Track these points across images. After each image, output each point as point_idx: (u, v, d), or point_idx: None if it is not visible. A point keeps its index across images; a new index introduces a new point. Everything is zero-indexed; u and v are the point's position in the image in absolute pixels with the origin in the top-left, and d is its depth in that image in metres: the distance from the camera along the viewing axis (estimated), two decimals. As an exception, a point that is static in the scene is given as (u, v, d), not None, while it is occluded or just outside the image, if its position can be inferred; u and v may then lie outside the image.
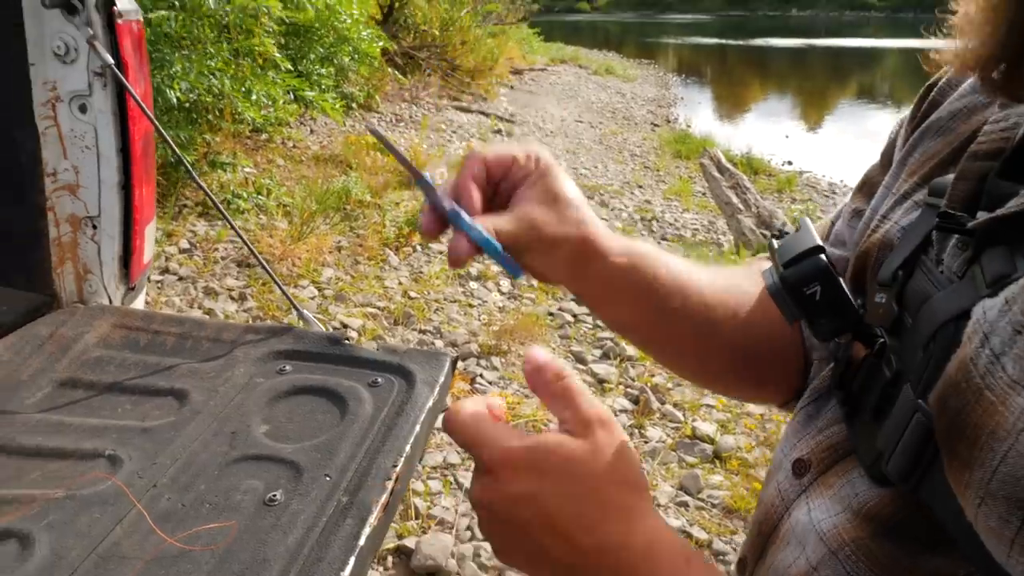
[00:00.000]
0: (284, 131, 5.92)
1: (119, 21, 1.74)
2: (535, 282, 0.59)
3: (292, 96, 4.61)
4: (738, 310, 0.67)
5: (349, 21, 5.48)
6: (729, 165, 5.50)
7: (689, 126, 10.61)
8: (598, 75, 14.66)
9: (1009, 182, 0.47)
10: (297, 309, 1.67)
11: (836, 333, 0.54)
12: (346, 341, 1.60)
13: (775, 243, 0.58)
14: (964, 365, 0.40)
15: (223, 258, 3.80)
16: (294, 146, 5.91)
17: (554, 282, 0.62)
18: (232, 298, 3.44)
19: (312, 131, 6.42)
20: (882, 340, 0.51)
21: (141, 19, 1.86)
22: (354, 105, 7.02)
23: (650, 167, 7.58)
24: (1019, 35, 0.43)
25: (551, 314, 3.73)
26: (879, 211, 0.60)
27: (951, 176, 0.52)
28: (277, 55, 4.35)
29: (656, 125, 10.35)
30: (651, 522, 0.44)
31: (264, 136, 5.60)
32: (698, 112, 12.62)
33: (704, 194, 6.02)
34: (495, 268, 4.22)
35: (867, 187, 0.67)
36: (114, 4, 1.72)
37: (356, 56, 5.87)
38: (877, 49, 27.70)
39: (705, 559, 0.45)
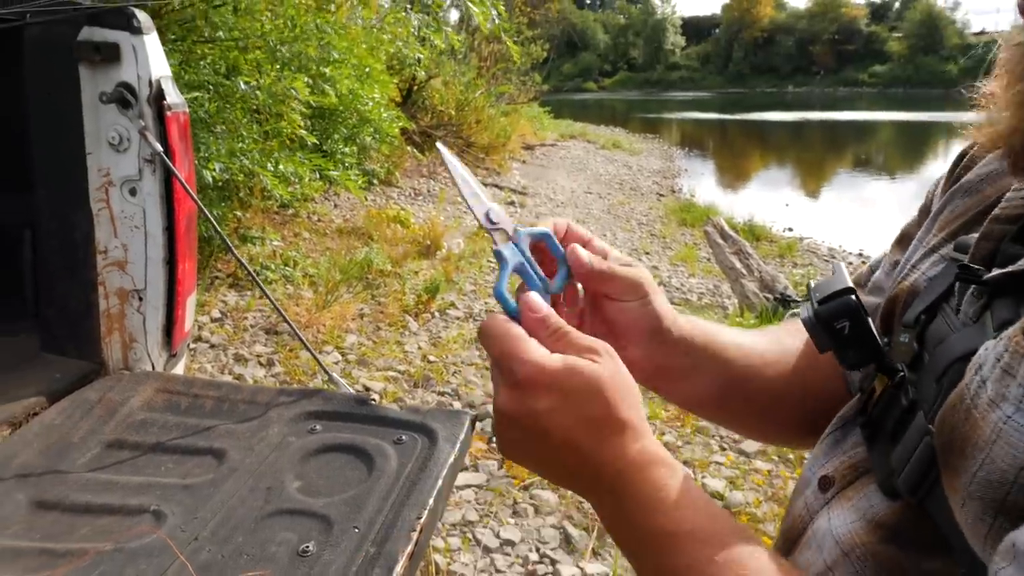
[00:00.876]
0: (310, 206, 6.18)
1: (168, 113, 1.93)
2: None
3: (317, 174, 4.87)
4: (794, 366, 0.75)
5: (371, 104, 5.78)
6: (732, 232, 5.65)
7: (693, 196, 10.85)
8: (605, 149, 15.08)
9: (1019, 245, 0.54)
10: (327, 372, 1.79)
11: (861, 363, 0.60)
12: (371, 402, 1.71)
13: (812, 283, 0.65)
14: (961, 392, 0.47)
15: (252, 326, 3.96)
16: (319, 220, 6.15)
17: (628, 348, 0.64)
18: (260, 364, 3.58)
19: (336, 205, 6.68)
20: (902, 374, 0.57)
21: (187, 110, 2.05)
22: (375, 181, 7.31)
23: (656, 235, 7.76)
24: None
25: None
26: (911, 261, 0.67)
27: (974, 236, 0.58)
28: (304, 132, 4.61)
29: (662, 195, 10.61)
30: (648, 441, 0.51)
31: (291, 211, 5.85)
32: (701, 183, 12.90)
33: (709, 260, 6.16)
34: (510, 335, 4.33)
35: (904, 240, 0.74)
36: (164, 98, 1.90)
37: (377, 136, 6.17)
38: (870, 122, 28.25)
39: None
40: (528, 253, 0.58)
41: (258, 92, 4.48)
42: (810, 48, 62.48)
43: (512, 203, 8.50)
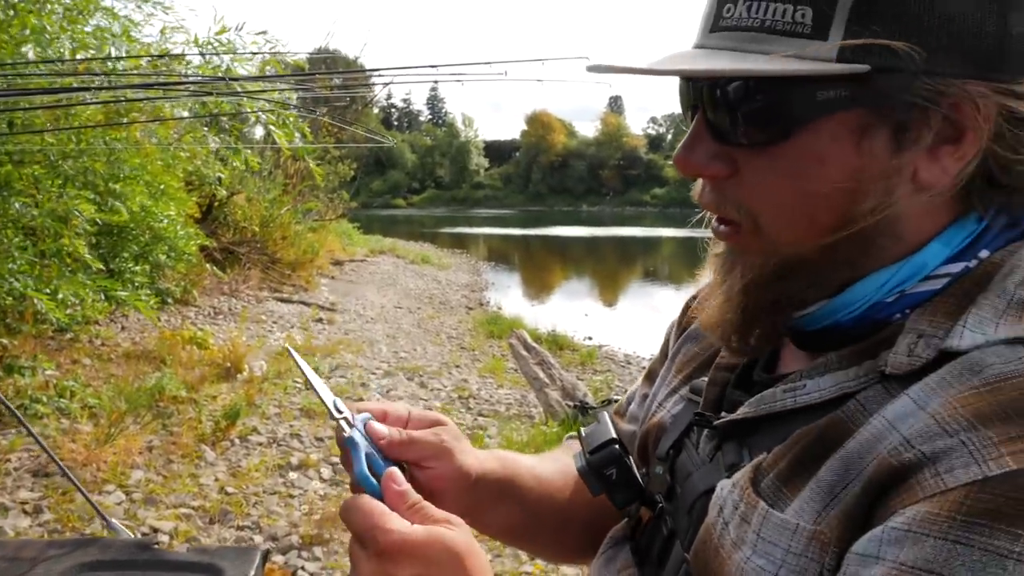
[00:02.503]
0: (92, 329, 5.70)
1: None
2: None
3: (103, 295, 4.55)
4: (575, 488, 0.80)
5: (165, 221, 5.58)
6: (535, 344, 6.01)
7: (500, 308, 11.32)
8: (415, 264, 15.40)
9: (739, 391, 0.64)
10: (102, 515, 1.69)
11: (629, 502, 0.69)
12: (155, 546, 1.63)
13: (583, 431, 0.75)
14: (708, 529, 0.55)
15: (16, 469, 3.53)
16: (103, 344, 5.68)
17: (443, 499, 0.68)
18: (25, 512, 3.18)
19: (123, 328, 6.22)
20: (661, 505, 0.66)
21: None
22: (170, 300, 6.93)
23: (466, 348, 7.99)
24: (745, 329, 0.61)
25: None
26: (657, 398, 0.77)
27: (706, 379, 0.68)
28: (88, 257, 4.33)
29: (470, 308, 10.97)
30: None
31: (69, 335, 5.36)
32: (508, 295, 13.56)
33: (516, 370, 6.44)
34: (315, 456, 4.23)
35: (651, 376, 0.84)
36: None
37: (173, 254, 5.92)
38: (654, 237, 31.59)
39: None
40: (368, 437, 0.64)
41: (35, 211, 4.19)
42: (600, 172, 69.21)
43: (320, 320, 8.39)
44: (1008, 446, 0.42)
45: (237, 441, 4.35)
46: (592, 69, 0.56)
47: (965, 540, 0.41)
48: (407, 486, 0.57)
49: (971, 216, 0.55)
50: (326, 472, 4.06)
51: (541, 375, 5.61)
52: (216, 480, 3.82)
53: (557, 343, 8.13)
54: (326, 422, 4.86)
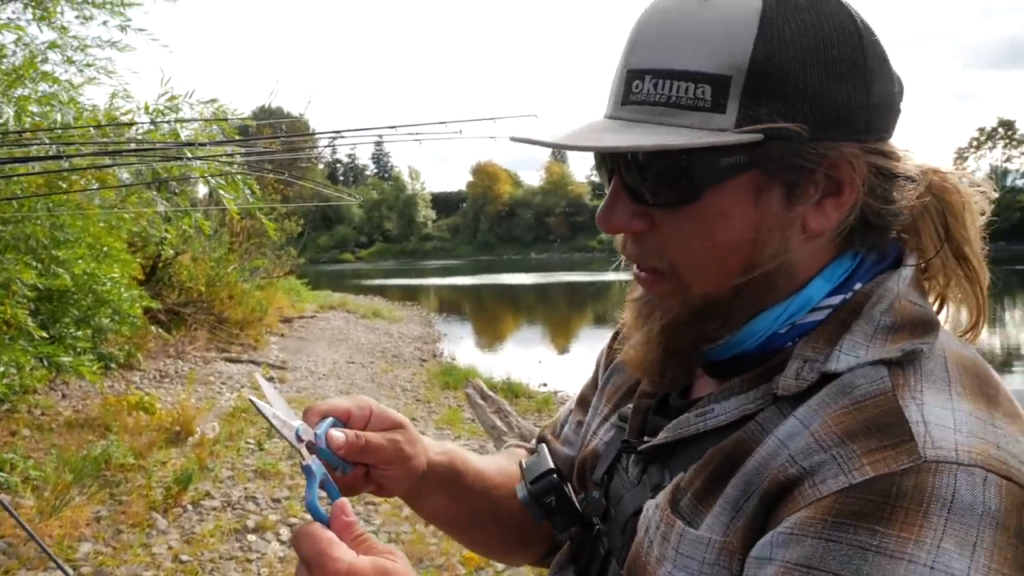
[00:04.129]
0: (30, 399, 5.50)
1: None
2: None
3: (44, 363, 4.42)
4: (512, 489, 0.85)
5: (109, 284, 5.47)
6: (491, 392, 6.02)
7: (454, 359, 11.31)
8: (366, 318, 15.27)
9: (659, 416, 0.70)
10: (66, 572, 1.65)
11: (568, 526, 0.75)
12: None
13: (523, 463, 0.81)
14: (638, 547, 0.62)
15: (-49, 551, 3.36)
16: (43, 413, 5.48)
17: (391, 490, 0.77)
18: (-35, 595, 3.03)
19: (64, 395, 6.01)
20: (598, 527, 0.71)
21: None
22: (113, 365, 6.74)
23: (421, 400, 7.95)
24: (665, 366, 0.68)
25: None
26: (591, 427, 0.83)
27: (631, 406, 0.74)
28: (30, 324, 4.22)
29: (424, 360, 10.90)
30: None
31: (6, 406, 5.16)
32: (460, 346, 13.53)
33: (473, 420, 6.43)
34: (273, 517, 4.14)
35: (583, 403, 0.91)
36: None
37: (117, 317, 5.79)
38: (602, 281, 32.13)
39: None
40: (324, 467, 0.65)
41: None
42: (546, 220, 70.24)
43: (271, 379, 8.24)
44: (868, 457, 0.51)
45: (190, 507, 4.23)
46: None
47: (835, 538, 0.49)
48: (354, 518, 0.60)
49: (847, 253, 0.64)
50: (284, 533, 3.98)
51: (499, 423, 5.62)
52: (169, 548, 3.70)
53: (513, 391, 8.15)
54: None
